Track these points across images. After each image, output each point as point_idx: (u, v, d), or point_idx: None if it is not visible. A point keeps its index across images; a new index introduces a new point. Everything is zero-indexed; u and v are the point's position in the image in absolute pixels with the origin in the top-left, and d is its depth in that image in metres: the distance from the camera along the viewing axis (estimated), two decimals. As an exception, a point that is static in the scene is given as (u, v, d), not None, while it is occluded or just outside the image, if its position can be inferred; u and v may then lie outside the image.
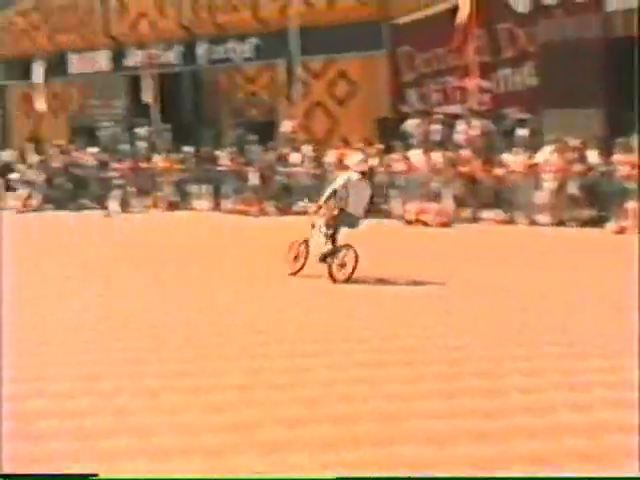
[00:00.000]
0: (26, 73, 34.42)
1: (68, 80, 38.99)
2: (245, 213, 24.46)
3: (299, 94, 28.05)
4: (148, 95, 29.73)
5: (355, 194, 14.32)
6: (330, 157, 25.51)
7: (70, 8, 38.31)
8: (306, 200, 18.46)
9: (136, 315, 12.05)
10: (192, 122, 33.97)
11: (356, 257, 13.99)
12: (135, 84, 33.12)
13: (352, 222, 14.34)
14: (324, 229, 14.30)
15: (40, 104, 32.80)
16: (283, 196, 25.52)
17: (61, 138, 32.86)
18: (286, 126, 28.63)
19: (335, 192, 14.33)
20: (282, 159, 26.16)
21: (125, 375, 9.03)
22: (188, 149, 27.79)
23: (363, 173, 14.57)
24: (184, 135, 29.81)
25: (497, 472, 6.30)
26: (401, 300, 12.74)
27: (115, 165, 28.04)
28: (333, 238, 14.24)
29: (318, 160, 26.04)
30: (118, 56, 36.67)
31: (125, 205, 26.49)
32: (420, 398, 8.05)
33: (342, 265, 14.07)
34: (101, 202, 27.27)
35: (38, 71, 32.50)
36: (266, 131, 29.70)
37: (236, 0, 32.74)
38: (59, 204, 27.45)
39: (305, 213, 23.47)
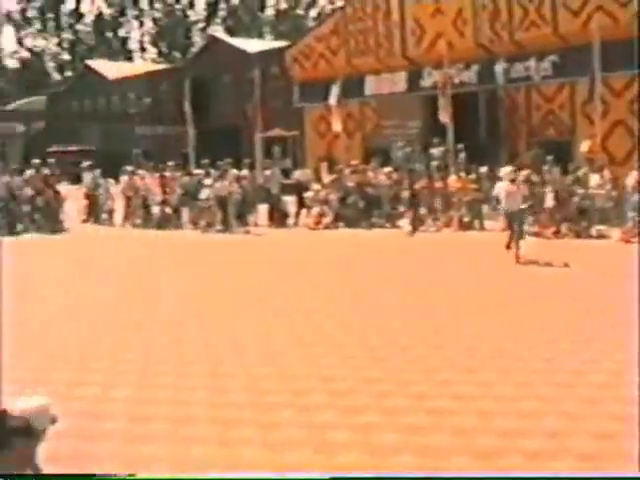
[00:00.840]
0: (323, 95, 35.00)
1: (364, 101, 39.47)
2: (539, 235, 23.49)
3: (599, 113, 26.77)
4: (444, 115, 29.35)
5: (509, 197, 18.97)
6: (630, 179, 24.00)
7: (369, 31, 38.77)
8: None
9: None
10: (487, 142, 33.37)
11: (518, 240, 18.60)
12: (431, 104, 32.89)
13: (520, 218, 19.09)
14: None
15: (336, 125, 33.23)
16: (579, 219, 24.34)
17: (355, 158, 33.11)
18: (584, 146, 27.43)
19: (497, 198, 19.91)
20: (580, 180, 24.96)
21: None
22: (483, 169, 27.11)
23: (512, 180, 19.29)
24: (479, 155, 29.15)
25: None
26: None
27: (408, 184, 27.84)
28: (518, 232, 18.79)
29: (617, 182, 24.69)
30: (414, 77, 36.69)
31: (418, 224, 26.16)
32: None
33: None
34: (393, 221, 27.16)
35: (334, 93, 32.92)
36: (563, 151, 28.67)
37: (535, 16, 31.90)
38: (351, 222, 27.54)
39: (602, 237, 22.48)
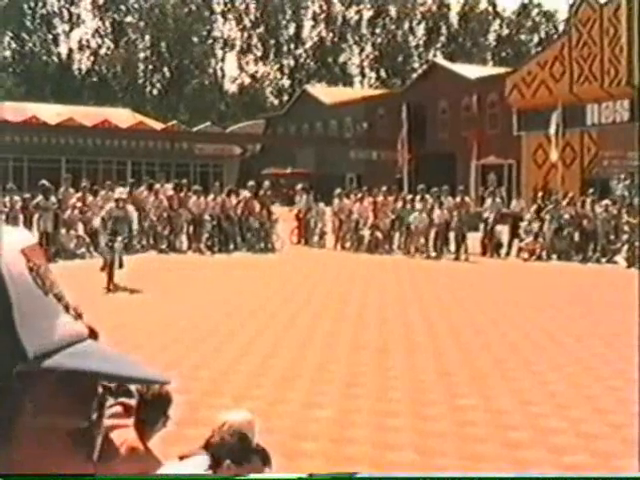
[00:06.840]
0: (542, 124, 34.13)
1: (584, 131, 38.35)
2: None
3: None
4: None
5: None
6: None
7: (594, 57, 37.72)
8: None
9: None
10: None
11: None
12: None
13: None
14: None
15: (554, 155, 32.34)
16: None
17: (572, 189, 32.05)
18: None
19: None
20: None
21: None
22: None
23: None
24: None
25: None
26: None
27: (625, 218, 26.75)
28: None
29: None
30: (639, 106, 35.35)
31: (634, 260, 25.04)
32: None
33: None
34: (608, 256, 26.19)
35: (554, 122, 31.97)
36: None
37: None
38: (565, 255, 26.70)
39: None
